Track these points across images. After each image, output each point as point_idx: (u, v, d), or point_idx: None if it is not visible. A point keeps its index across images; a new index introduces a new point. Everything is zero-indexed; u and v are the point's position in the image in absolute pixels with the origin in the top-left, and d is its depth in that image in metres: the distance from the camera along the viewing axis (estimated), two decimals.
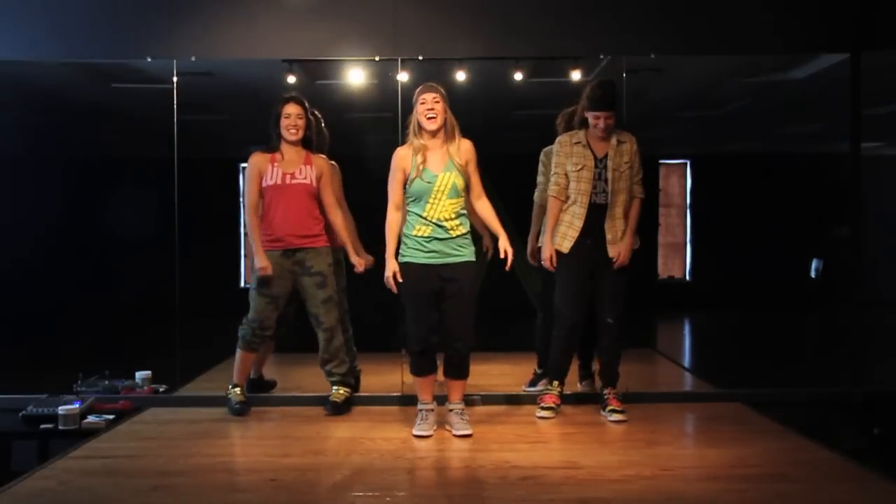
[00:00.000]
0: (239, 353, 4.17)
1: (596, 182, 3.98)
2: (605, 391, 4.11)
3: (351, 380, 4.32)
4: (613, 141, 4.01)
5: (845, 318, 4.80)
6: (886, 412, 4.32)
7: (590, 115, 3.99)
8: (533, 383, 4.58)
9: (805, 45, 4.82)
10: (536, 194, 4.49)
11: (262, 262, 4.02)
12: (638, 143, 4.08)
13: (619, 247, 4.01)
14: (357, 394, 4.43)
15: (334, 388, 4.19)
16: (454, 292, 3.64)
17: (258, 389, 4.49)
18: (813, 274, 8.30)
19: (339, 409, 4.13)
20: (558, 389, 4.16)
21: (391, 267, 3.66)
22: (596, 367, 4.33)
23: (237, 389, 4.17)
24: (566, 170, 4.01)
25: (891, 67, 5.11)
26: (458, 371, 3.76)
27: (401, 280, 3.65)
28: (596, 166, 3.98)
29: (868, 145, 5.23)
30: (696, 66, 5.51)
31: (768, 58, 5.37)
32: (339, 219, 4.18)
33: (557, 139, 4.12)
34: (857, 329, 4.71)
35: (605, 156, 3.99)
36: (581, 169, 3.98)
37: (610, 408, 4.03)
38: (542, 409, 4.08)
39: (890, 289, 7.55)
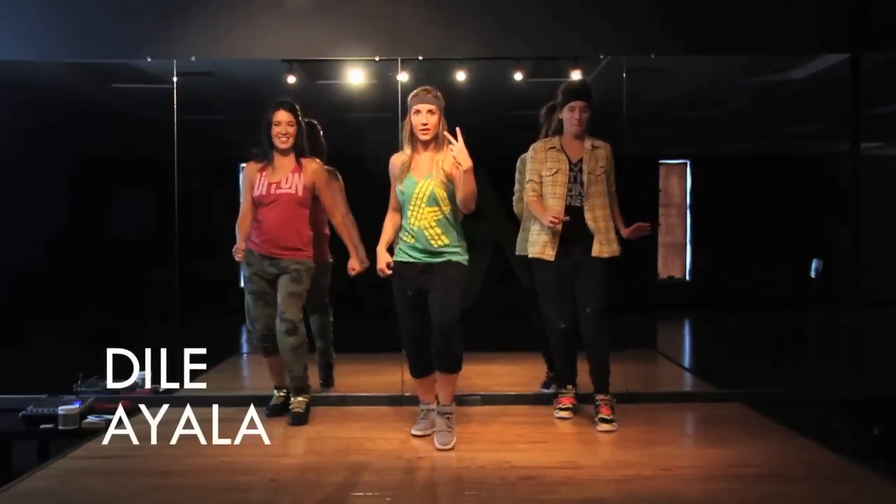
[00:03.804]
0: (264, 360, 4.21)
1: (571, 185, 3.95)
2: (598, 398, 3.98)
3: (306, 385, 4.17)
4: (588, 145, 3.99)
5: (845, 318, 4.80)
6: (886, 412, 4.32)
7: (565, 110, 3.98)
8: (546, 385, 4.58)
9: (805, 45, 4.82)
10: (515, 203, 4.45)
11: (238, 244, 3.94)
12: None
13: (603, 248, 3.96)
14: (335, 391, 4.50)
15: (294, 397, 4.10)
16: (439, 282, 3.55)
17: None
18: (813, 274, 8.29)
19: (303, 420, 4.03)
20: (573, 392, 4.15)
21: (382, 259, 3.64)
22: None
23: (279, 392, 4.23)
24: (541, 175, 3.99)
25: (891, 67, 5.11)
26: (442, 361, 3.60)
27: (391, 272, 3.64)
28: (571, 169, 3.96)
29: (868, 145, 5.23)
30: (696, 66, 5.51)
31: (768, 58, 5.37)
32: (338, 220, 4.15)
33: (532, 146, 4.09)
34: (857, 329, 4.71)
35: (580, 160, 3.97)
36: (555, 173, 3.95)
37: (600, 416, 3.91)
38: (560, 409, 4.09)
39: (890, 289, 7.55)
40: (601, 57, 4.80)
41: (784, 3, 4.64)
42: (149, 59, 4.62)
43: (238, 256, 3.94)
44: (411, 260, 3.61)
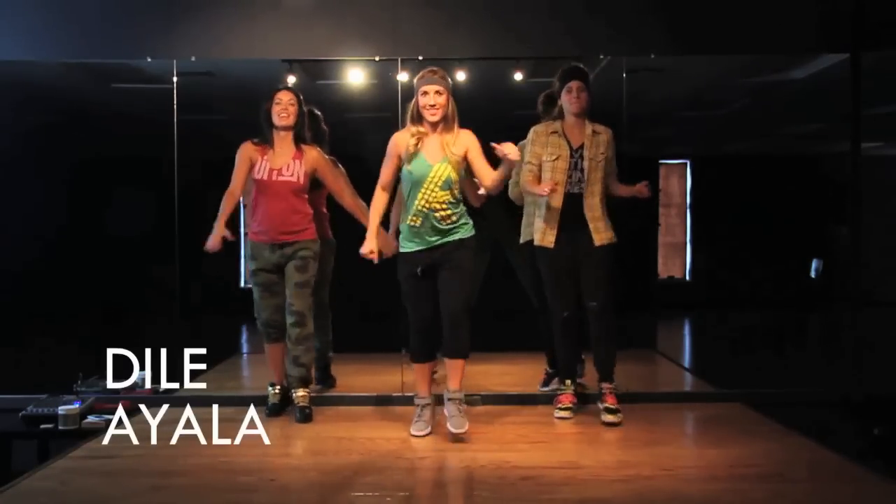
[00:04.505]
0: (265, 346, 4.20)
1: (571, 172, 3.94)
2: (602, 386, 4.03)
3: (310, 376, 4.23)
4: (589, 131, 3.98)
5: (845, 318, 4.80)
6: (886, 412, 4.32)
7: (563, 93, 3.99)
8: (545, 383, 4.57)
9: (805, 45, 4.82)
10: (511, 188, 4.43)
11: (216, 231, 3.95)
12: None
13: (603, 237, 3.97)
14: (334, 391, 4.49)
15: (296, 391, 4.09)
16: (449, 269, 3.60)
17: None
18: (813, 274, 8.29)
19: (310, 416, 4.03)
20: (572, 388, 4.10)
21: (368, 245, 3.64)
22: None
23: (274, 389, 4.19)
24: (541, 159, 3.98)
25: (891, 67, 5.11)
26: (454, 347, 3.64)
27: (376, 260, 3.64)
28: (571, 156, 3.95)
29: (868, 145, 5.23)
30: (696, 66, 5.51)
31: (768, 58, 5.37)
32: (349, 201, 4.10)
33: (533, 129, 4.08)
34: (857, 329, 4.71)
35: (581, 146, 3.96)
36: (556, 159, 3.94)
37: (605, 405, 3.94)
38: (560, 409, 4.04)
39: (890, 289, 7.55)
40: (601, 57, 4.80)
41: (784, 3, 4.64)
42: (149, 59, 4.62)
43: (209, 245, 3.93)
44: (421, 248, 3.62)
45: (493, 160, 3.59)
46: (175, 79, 4.59)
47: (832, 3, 4.62)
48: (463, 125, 3.68)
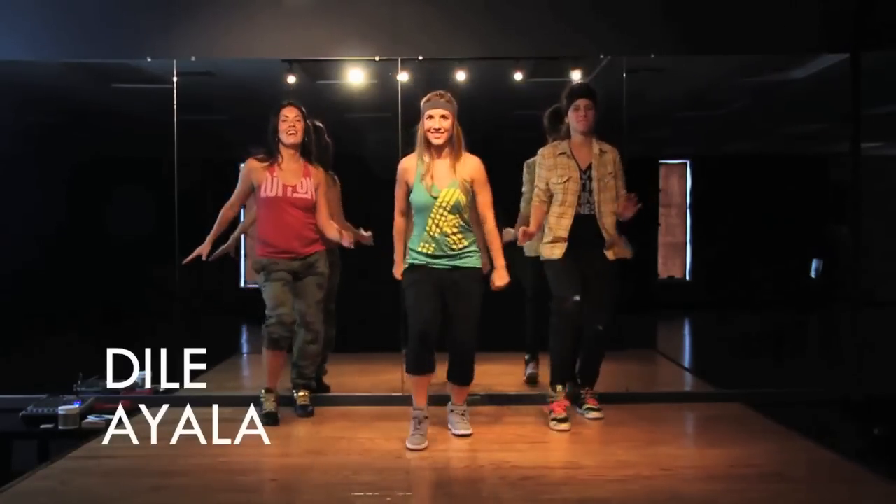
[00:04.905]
0: (266, 353, 4.06)
1: (581, 193, 3.93)
2: (583, 391, 4.12)
3: (313, 383, 4.32)
4: (596, 150, 3.97)
5: (845, 318, 4.80)
6: (886, 412, 4.32)
7: (570, 111, 3.97)
8: (531, 378, 4.63)
9: (805, 45, 4.82)
10: (523, 205, 4.48)
11: (203, 246, 4.01)
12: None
13: (617, 250, 3.98)
14: (328, 394, 4.50)
15: (298, 392, 4.20)
16: (460, 296, 3.60)
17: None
18: (813, 274, 8.29)
19: (311, 412, 4.16)
20: (563, 394, 3.96)
21: (401, 269, 3.71)
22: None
23: (270, 396, 4.08)
24: (550, 182, 3.96)
25: (891, 67, 5.11)
26: (461, 376, 3.73)
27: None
28: (581, 177, 3.94)
29: (868, 145, 5.23)
30: (696, 66, 5.51)
31: (768, 58, 5.36)
32: (332, 233, 4.04)
33: (540, 151, 4.06)
34: (857, 329, 4.71)
35: (589, 166, 3.95)
36: (567, 181, 3.92)
37: (587, 406, 4.07)
38: (556, 421, 3.85)
39: (890, 289, 7.55)
40: (601, 57, 4.80)
41: (785, 3, 4.64)
42: (149, 59, 4.62)
43: (187, 260, 4.00)
44: (433, 266, 3.62)
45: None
46: (175, 79, 4.59)
47: (833, 3, 4.62)
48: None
